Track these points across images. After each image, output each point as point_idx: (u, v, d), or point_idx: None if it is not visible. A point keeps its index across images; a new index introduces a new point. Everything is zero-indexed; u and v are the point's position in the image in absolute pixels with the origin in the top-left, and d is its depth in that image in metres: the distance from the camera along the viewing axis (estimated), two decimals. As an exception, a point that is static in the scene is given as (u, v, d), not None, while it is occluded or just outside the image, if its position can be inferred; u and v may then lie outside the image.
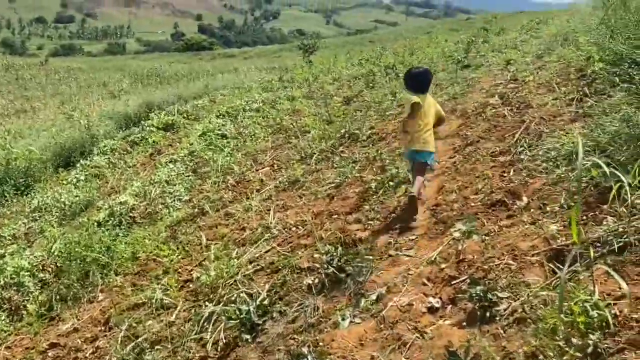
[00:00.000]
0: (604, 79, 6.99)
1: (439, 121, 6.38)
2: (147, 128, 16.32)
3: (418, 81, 6.23)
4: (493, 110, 8.10)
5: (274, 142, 11.96)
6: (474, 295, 3.86)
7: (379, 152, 7.77)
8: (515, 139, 6.56)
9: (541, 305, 3.51)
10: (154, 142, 15.22)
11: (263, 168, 10.16)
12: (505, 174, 5.84)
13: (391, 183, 6.76)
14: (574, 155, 5.30)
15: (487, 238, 4.69)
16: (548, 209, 4.76)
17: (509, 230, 4.69)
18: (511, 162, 6.05)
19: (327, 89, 16.60)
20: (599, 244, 3.86)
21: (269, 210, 7.54)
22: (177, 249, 7.48)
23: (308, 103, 15.05)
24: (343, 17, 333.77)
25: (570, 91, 7.49)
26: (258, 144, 12.24)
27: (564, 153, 5.46)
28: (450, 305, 4.09)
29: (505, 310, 3.69)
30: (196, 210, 8.83)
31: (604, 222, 4.13)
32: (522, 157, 6.04)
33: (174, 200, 9.95)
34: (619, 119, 5.29)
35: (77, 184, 12.50)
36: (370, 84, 15.32)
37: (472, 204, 5.47)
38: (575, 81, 7.90)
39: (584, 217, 4.36)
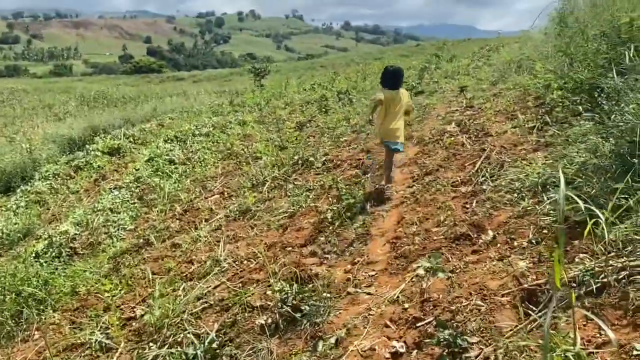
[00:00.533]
0: (564, 107, 6.85)
1: (406, 112, 7.32)
2: (92, 152, 15.65)
3: (389, 79, 7.16)
4: (451, 138, 7.90)
5: (224, 168, 11.55)
6: (441, 339, 3.53)
7: (335, 180, 7.44)
8: (476, 169, 6.35)
9: (516, 353, 3.22)
10: (98, 167, 14.58)
11: (212, 196, 9.74)
12: (468, 206, 5.59)
13: (348, 213, 6.45)
14: (540, 187, 5.09)
15: (452, 275, 4.40)
16: (515, 244, 4.51)
17: (475, 267, 4.41)
18: (473, 193, 5.82)
19: (279, 113, 16.31)
20: (574, 284, 3.61)
21: (218, 241, 7.14)
22: (120, 283, 6.99)
23: (260, 128, 14.72)
24: (294, 42, 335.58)
25: (529, 119, 7.35)
26: (207, 170, 11.81)
27: (528, 184, 5.25)
28: (416, 351, 3.75)
29: (476, 357, 3.39)
30: (141, 240, 8.34)
31: (577, 260, 3.89)
32: (484, 187, 5.81)
33: (118, 230, 9.42)
34: (585, 149, 5.11)
35: (17, 210, 11.82)
36: (324, 109, 15.08)
37: (435, 238, 5.19)
38: (534, 109, 7.78)
39: (553, 254, 4.12)
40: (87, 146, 16.72)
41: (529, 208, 4.86)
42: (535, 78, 8.84)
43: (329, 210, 6.77)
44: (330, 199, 7.27)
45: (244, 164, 11.22)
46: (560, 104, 7.08)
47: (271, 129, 14.17)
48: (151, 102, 30.21)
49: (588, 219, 3.63)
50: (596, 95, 6.02)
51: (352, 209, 6.51)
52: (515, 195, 5.26)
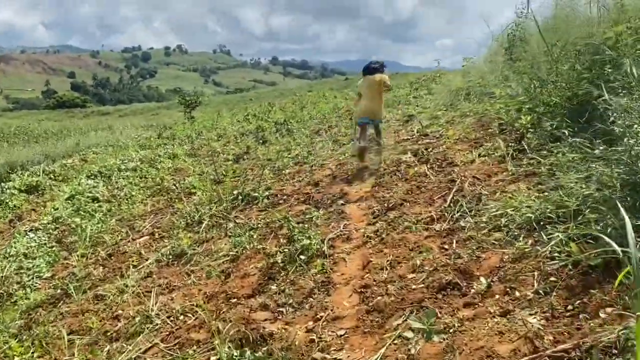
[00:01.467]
0: (537, 132, 6.20)
1: (386, 88, 9.11)
2: (8, 190, 14.19)
3: (366, 67, 9.23)
4: (413, 169, 7.11)
5: (154, 205, 10.44)
6: None
7: (286, 217, 6.48)
8: (448, 202, 5.58)
9: None
10: (14, 206, 13.17)
11: (141, 237, 8.63)
12: (447, 246, 4.79)
13: (302, 257, 5.54)
14: (534, 224, 4.34)
15: (446, 336, 3.55)
16: (518, 294, 3.72)
17: (474, 326, 3.57)
18: (450, 231, 5.02)
19: (213, 145, 15.31)
20: (614, 351, 2.82)
21: (149, 292, 6.09)
22: (33, 344, 5.81)
23: (192, 161, 13.68)
24: (222, 77, 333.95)
25: (498, 147, 6.67)
26: (135, 208, 10.65)
27: (520, 221, 4.48)
28: None
29: None
30: (59, 291, 7.17)
31: (603, 315, 3.13)
32: (462, 224, 5.03)
33: (33, 279, 8.18)
34: (584, 179, 4.40)
35: None
36: (261, 140, 14.20)
37: (414, 287, 4.34)
38: (500, 136, 7.13)
39: (570, 308, 3.36)
40: (3, 184, 15.25)
41: (526, 249, 4.08)
42: (496, 104, 8.22)
43: (278, 253, 5.86)
44: (279, 239, 6.35)
45: (177, 200, 10.18)
46: (532, 130, 6.43)
47: (205, 161, 13.18)
48: (74, 136, 28.63)
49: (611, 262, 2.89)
50: (582, 118, 5.40)
51: (306, 251, 5.61)
52: (505, 233, 4.49)
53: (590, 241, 3.74)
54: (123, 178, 13.41)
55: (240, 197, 8.71)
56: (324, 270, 5.18)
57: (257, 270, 5.78)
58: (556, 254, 3.83)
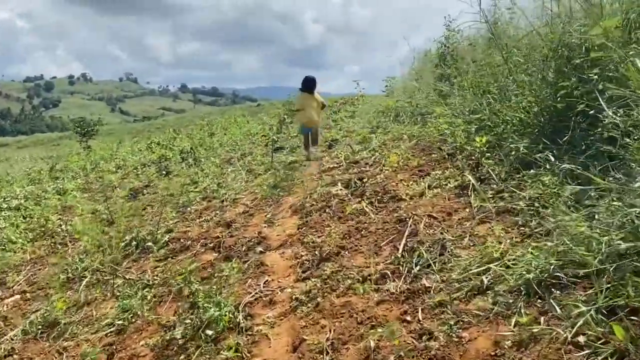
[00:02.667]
0: (504, 157, 5.01)
1: (322, 106, 10.93)
2: None
3: (304, 83, 10.72)
4: (351, 206, 5.75)
5: (34, 252, 8.68)
6: None
7: (186, 277, 4.96)
8: (400, 251, 4.27)
9: None
10: None
11: (11, 296, 6.92)
12: (409, 317, 3.46)
13: (209, 332, 4.10)
14: (536, 286, 3.08)
15: None
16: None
17: None
18: (411, 293, 3.69)
19: (109, 178, 13.55)
20: None
21: (4, 383, 4.49)
22: None
23: (84, 198, 11.91)
24: (129, 105, 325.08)
25: (449, 176, 5.46)
26: (13, 256, 8.84)
27: (512, 282, 3.21)
28: None
29: None
30: None
31: None
32: (425, 283, 3.72)
33: None
34: (592, 219, 3.18)
35: None
36: (164, 172, 12.60)
37: (376, 382, 2.99)
38: (448, 162, 5.94)
39: None
40: None
41: (534, 330, 2.80)
42: (438, 124, 7.02)
43: (178, 324, 4.39)
44: (181, 304, 4.86)
45: (61, 245, 8.51)
46: (490, 154, 5.26)
47: (98, 197, 11.46)
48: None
49: None
50: (561, 138, 4.26)
51: (215, 323, 4.16)
52: (491, 299, 3.21)
53: (634, 318, 2.53)
54: (3, 218, 11.47)
55: (134, 243, 7.17)
56: (240, 354, 3.74)
57: (149, 349, 4.28)
58: (584, 337, 2.58)
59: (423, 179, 5.73)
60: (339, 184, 6.69)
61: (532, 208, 3.94)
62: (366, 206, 5.54)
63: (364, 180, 6.46)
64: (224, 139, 15.05)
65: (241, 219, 6.96)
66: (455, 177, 5.34)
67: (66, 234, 8.96)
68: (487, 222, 4.18)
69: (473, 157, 5.52)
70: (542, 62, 4.97)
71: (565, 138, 4.33)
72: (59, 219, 10.36)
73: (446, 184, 5.27)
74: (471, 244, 3.89)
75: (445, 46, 9.79)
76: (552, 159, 4.23)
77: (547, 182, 4.06)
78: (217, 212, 7.79)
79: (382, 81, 17.69)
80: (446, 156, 6.10)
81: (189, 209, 8.51)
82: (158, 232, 7.33)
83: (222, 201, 8.46)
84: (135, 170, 14.35)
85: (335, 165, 8.18)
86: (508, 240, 3.68)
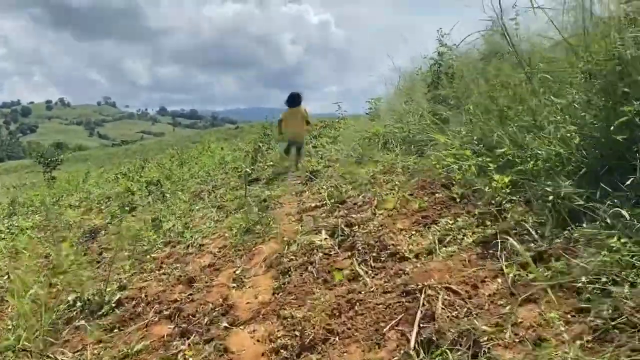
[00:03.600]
0: (539, 203, 3.86)
1: (307, 122, 11.35)
2: None
3: (289, 99, 11.22)
4: (339, 274, 4.52)
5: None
6: None
7: (131, 356, 3.72)
8: (413, 343, 3.09)
9: None
10: None
11: None
12: None
13: None
14: None
15: None
16: None
17: None
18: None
19: (69, 215, 12.26)
20: None
21: None
22: None
23: (39, 238, 10.62)
24: (107, 129, 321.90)
25: (464, 226, 4.29)
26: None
27: None
28: None
29: None
30: None
31: None
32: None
33: None
34: None
35: None
36: (127, 207, 11.34)
37: None
38: (458, 205, 4.78)
39: None
40: None
41: None
42: (441, 156, 5.81)
43: None
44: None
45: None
46: (514, 197, 4.12)
47: (54, 239, 10.20)
48: None
49: None
50: (621, 181, 3.14)
51: None
52: None
53: None
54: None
55: (79, 304, 5.93)
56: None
57: None
58: None
59: (428, 228, 4.55)
60: (323, 231, 5.48)
61: (598, 286, 2.80)
62: (359, 266, 4.35)
63: (354, 227, 5.26)
64: (195, 169, 13.81)
65: (206, 274, 5.75)
66: (471, 228, 4.18)
67: (7, 289, 7.69)
68: (532, 302, 3.01)
69: (492, 202, 4.36)
70: (584, 80, 3.85)
71: (630, 182, 3.20)
72: (6, 266, 9.06)
73: (462, 238, 4.09)
74: (517, 341, 2.73)
75: (438, 63, 8.68)
76: (605, 209, 3.07)
77: (615, 245, 2.92)
78: (180, 262, 6.58)
79: (365, 102, 16.58)
80: (455, 198, 4.93)
81: (149, 255, 7.30)
82: (108, 290, 6.10)
83: (187, 246, 7.27)
84: (98, 205, 13.07)
85: (318, 204, 7.00)
86: (573, 340, 2.52)
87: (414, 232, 4.58)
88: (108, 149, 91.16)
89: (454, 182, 5.25)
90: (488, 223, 4.07)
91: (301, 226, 6.17)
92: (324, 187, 7.94)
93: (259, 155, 11.60)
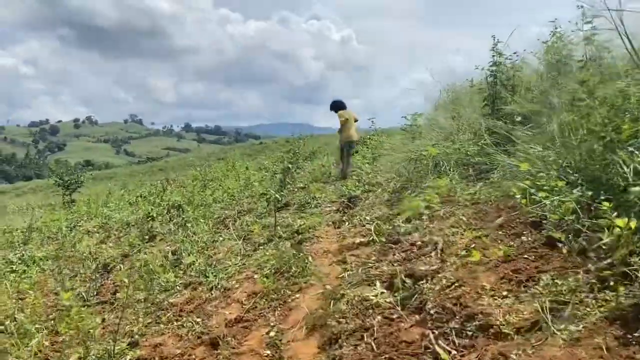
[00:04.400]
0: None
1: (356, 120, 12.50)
2: None
3: (341, 105, 12.42)
4: (415, 345, 3.41)
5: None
6: None
7: None
8: None
9: None
10: None
11: None
12: None
13: None
14: None
15: None
16: None
17: None
18: None
19: (85, 244, 11.30)
20: None
21: None
22: None
23: (48, 272, 9.69)
24: (134, 147, 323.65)
25: (576, 288, 3.18)
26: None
27: None
28: None
29: None
30: None
31: None
32: None
33: None
34: None
35: None
36: (147, 234, 10.37)
37: None
38: (560, 255, 3.65)
39: None
40: None
41: None
42: (523, 189, 4.66)
43: None
44: None
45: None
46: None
47: (68, 272, 9.30)
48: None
49: None
50: None
51: None
52: None
53: None
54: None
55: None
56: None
57: None
58: None
59: (525, 288, 3.45)
60: (378, 283, 4.39)
61: None
62: (437, 341, 3.25)
63: (419, 279, 4.16)
64: (219, 192, 12.77)
65: (232, 334, 4.70)
66: (593, 292, 3.08)
67: (11, 334, 6.73)
68: None
69: (605, 254, 3.25)
70: None
71: None
72: (15, 305, 8.12)
73: (585, 309, 2.98)
74: None
75: (494, 75, 7.55)
76: None
77: None
78: (202, 312, 5.54)
79: (400, 117, 15.46)
80: (553, 244, 3.81)
81: (167, 300, 6.29)
82: (116, 347, 5.09)
83: (211, 288, 6.25)
84: (117, 232, 12.12)
85: (362, 239, 5.91)
86: None
87: (505, 294, 3.46)
88: (133, 167, 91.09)
89: (544, 221, 4.14)
90: (617, 286, 2.97)
91: (346, 271, 5.10)
92: (367, 217, 6.86)
93: (288, 177, 10.55)
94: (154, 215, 11.71)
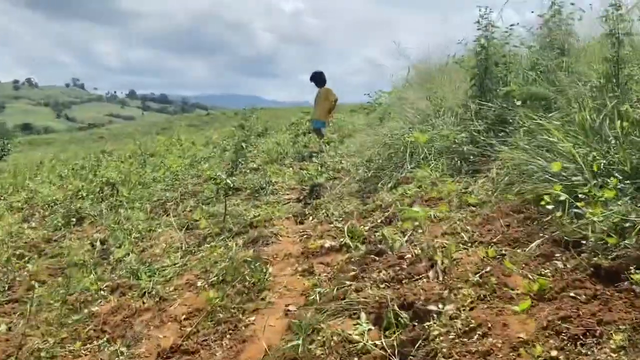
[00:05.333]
0: None
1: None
2: None
3: (323, 79, 11.86)
4: None
5: None
6: None
7: None
8: None
9: None
10: None
11: None
12: None
13: None
14: None
15: None
16: None
17: None
18: None
19: (3, 222, 9.92)
20: None
21: None
22: None
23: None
24: (76, 111, 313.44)
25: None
26: None
27: None
28: None
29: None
30: None
31: None
32: None
33: None
34: None
35: None
36: (75, 217, 9.08)
37: None
38: (633, 294, 2.66)
39: None
40: None
41: None
42: (552, 194, 3.60)
43: None
44: None
45: None
46: None
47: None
48: None
49: None
50: None
51: None
52: None
53: None
54: None
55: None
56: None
57: None
58: None
59: (585, 348, 2.42)
60: (363, 315, 3.31)
61: None
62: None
63: (420, 315, 3.10)
64: (161, 171, 11.46)
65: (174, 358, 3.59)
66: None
67: None
68: None
69: None
70: None
71: None
72: None
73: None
74: None
75: (484, 49, 6.50)
76: None
77: None
78: (129, 330, 4.41)
79: (364, 95, 14.42)
80: (612, 277, 2.80)
81: (86, 310, 5.12)
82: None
83: (143, 294, 5.12)
84: (42, 210, 10.74)
85: (333, 243, 4.84)
86: None
87: (556, 355, 2.42)
88: (74, 134, 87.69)
89: (583, 242, 3.13)
90: None
91: (315, 287, 4.01)
92: (335, 212, 5.79)
93: (240, 157, 9.31)
94: (84, 193, 10.38)
